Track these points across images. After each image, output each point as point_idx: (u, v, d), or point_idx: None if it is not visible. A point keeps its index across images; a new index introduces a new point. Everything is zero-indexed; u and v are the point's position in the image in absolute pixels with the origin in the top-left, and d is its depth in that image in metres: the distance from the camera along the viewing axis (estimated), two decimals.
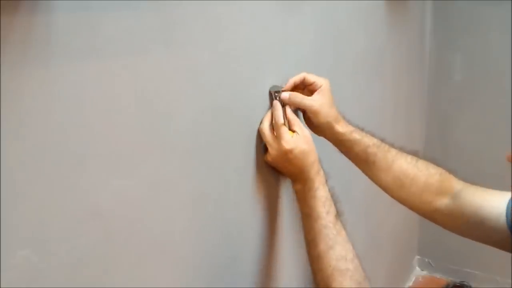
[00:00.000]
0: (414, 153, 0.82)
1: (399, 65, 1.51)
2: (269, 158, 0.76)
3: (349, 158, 0.84)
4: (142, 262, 0.59)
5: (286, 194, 0.88)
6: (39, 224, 0.46)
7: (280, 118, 0.74)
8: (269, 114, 0.78)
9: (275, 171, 0.82)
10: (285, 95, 0.78)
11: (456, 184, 0.78)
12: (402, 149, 0.82)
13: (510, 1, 1.62)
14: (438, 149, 1.93)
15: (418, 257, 2.09)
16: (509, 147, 1.89)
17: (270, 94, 0.79)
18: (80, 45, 0.47)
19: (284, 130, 0.73)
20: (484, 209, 0.70)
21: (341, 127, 0.80)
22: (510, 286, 1.64)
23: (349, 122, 0.82)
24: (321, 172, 0.75)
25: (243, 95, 0.74)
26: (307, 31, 0.91)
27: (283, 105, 0.77)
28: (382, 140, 0.82)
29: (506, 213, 0.66)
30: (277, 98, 0.78)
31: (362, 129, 0.82)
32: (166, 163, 0.61)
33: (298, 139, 0.73)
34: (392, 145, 0.82)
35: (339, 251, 0.69)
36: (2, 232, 0.42)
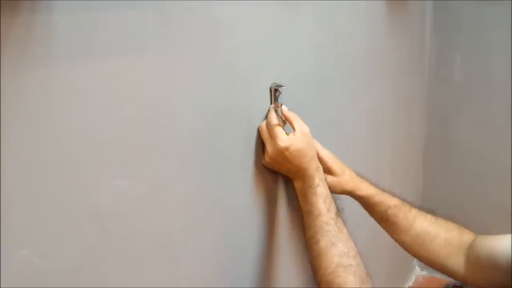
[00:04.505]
0: (432, 212, 0.84)
1: (399, 65, 1.51)
2: (267, 158, 0.76)
3: (370, 215, 0.86)
4: (141, 262, 0.59)
5: (286, 193, 0.88)
6: (39, 224, 0.45)
7: (272, 119, 0.75)
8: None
9: (274, 171, 0.82)
10: None
11: (472, 236, 0.79)
12: (421, 208, 0.85)
13: (510, 1, 1.62)
14: (438, 149, 1.93)
15: None
16: (509, 147, 1.89)
17: (271, 90, 0.79)
18: (80, 45, 0.47)
19: (279, 129, 0.74)
20: (497, 255, 0.70)
21: (361, 192, 0.83)
22: None
23: (369, 181, 0.85)
24: (321, 169, 0.76)
25: (243, 95, 0.74)
26: (308, 31, 0.91)
27: (279, 105, 0.78)
28: (403, 200, 0.84)
29: None
30: (277, 95, 0.79)
31: (383, 190, 0.85)
32: (166, 163, 0.61)
33: (294, 137, 0.74)
34: (412, 204, 0.84)
35: (341, 248, 0.69)
36: (2, 232, 0.42)
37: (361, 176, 0.86)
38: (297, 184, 0.76)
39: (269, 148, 0.75)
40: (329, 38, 1.00)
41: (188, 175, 0.65)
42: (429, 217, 0.82)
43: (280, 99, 0.80)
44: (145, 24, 0.54)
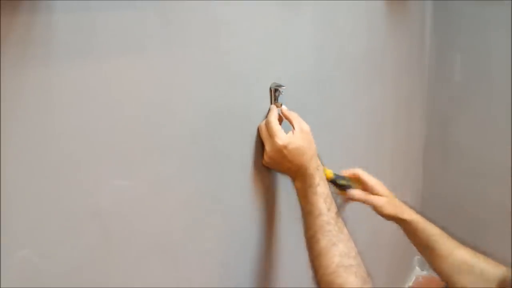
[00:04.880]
0: (472, 246, 0.85)
1: (399, 65, 1.51)
2: (266, 158, 0.76)
3: (410, 239, 0.87)
4: (141, 262, 0.59)
5: (285, 193, 0.88)
6: (39, 224, 0.46)
7: (270, 117, 0.75)
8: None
9: (274, 171, 0.82)
10: (352, 192, 0.84)
11: (507, 271, 0.79)
12: (459, 241, 0.86)
13: (510, 1, 1.62)
14: (438, 149, 1.93)
15: (418, 257, 2.08)
16: (509, 147, 1.89)
17: (271, 90, 0.79)
18: (80, 45, 0.47)
19: (277, 128, 0.74)
20: None
21: (408, 216, 0.84)
22: None
23: (412, 208, 0.86)
24: (321, 168, 0.76)
25: (243, 95, 0.74)
26: (308, 31, 0.91)
27: (280, 105, 0.78)
28: (442, 229, 0.85)
29: None
30: (277, 95, 0.79)
31: (425, 218, 0.86)
32: (166, 163, 0.61)
33: (292, 136, 0.74)
34: (451, 235, 0.85)
35: (342, 248, 0.69)
36: (2, 232, 0.42)
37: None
38: (297, 184, 0.76)
39: (268, 147, 0.75)
40: (329, 38, 1.00)
41: (188, 175, 0.65)
42: (468, 249, 0.83)
43: (280, 99, 0.80)
44: (145, 24, 0.54)
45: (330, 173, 0.82)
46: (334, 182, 0.84)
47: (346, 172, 0.87)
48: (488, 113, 1.78)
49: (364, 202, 0.84)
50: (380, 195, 0.85)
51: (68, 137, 0.47)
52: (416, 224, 0.84)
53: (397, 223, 0.86)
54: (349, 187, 0.85)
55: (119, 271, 0.56)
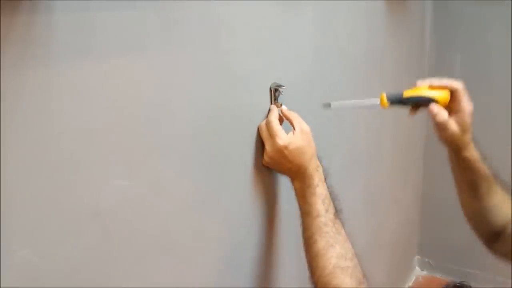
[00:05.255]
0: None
1: (399, 65, 1.51)
2: (266, 158, 0.76)
3: (454, 174, 0.85)
4: (142, 262, 0.59)
5: (285, 193, 0.88)
6: (39, 224, 0.45)
7: (271, 117, 0.75)
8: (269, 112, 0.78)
9: (274, 171, 0.82)
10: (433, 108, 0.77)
11: None
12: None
13: (510, 1, 1.62)
14: (438, 149, 1.92)
15: (418, 257, 2.09)
16: (509, 147, 1.89)
17: (271, 90, 0.79)
18: (80, 45, 0.47)
19: (278, 128, 0.74)
20: None
21: (468, 152, 0.81)
22: (510, 286, 1.64)
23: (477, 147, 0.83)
24: (320, 169, 0.76)
25: (243, 95, 0.74)
26: (308, 31, 0.91)
27: (280, 105, 0.79)
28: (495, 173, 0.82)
29: None
30: (277, 95, 0.79)
31: (485, 159, 0.83)
32: (166, 163, 0.61)
33: (293, 136, 0.74)
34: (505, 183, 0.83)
35: (339, 250, 0.69)
36: (2, 232, 0.42)
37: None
38: (296, 184, 0.76)
39: (268, 147, 0.75)
40: (329, 38, 1.00)
41: (188, 175, 0.65)
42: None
43: (280, 99, 0.80)
44: (145, 24, 0.54)
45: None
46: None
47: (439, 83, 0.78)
48: (488, 113, 1.78)
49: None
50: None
51: (68, 137, 0.47)
52: (475, 164, 0.80)
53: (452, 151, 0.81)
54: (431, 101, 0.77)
55: (119, 271, 0.56)
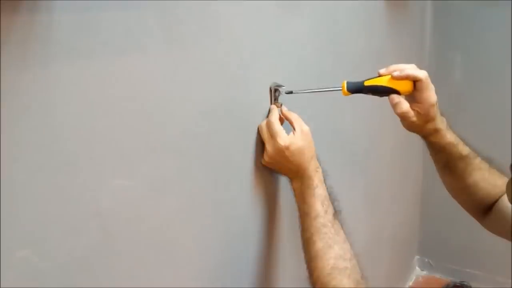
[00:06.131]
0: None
1: None
2: (266, 158, 0.76)
3: (431, 156, 0.85)
4: (142, 262, 0.59)
5: (285, 193, 0.88)
6: (39, 224, 0.45)
7: (272, 118, 0.75)
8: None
9: (274, 171, 0.82)
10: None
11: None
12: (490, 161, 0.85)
13: (510, 1, 1.62)
14: None
15: (418, 257, 2.09)
16: (509, 147, 1.89)
17: (271, 90, 0.79)
18: (80, 45, 0.47)
19: (279, 128, 0.74)
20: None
21: (436, 138, 0.81)
22: (510, 286, 1.64)
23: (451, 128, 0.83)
24: (320, 170, 0.76)
25: (243, 95, 0.74)
26: (308, 31, 0.91)
27: (280, 105, 0.79)
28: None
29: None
30: (277, 94, 0.79)
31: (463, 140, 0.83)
32: (166, 163, 0.61)
33: (294, 136, 0.74)
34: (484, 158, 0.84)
35: (338, 251, 0.69)
36: (2, 232, 0.42)
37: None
38: (296, 185, 0.76)
39: (269, 147, 0.75)
40: (329, 38, 1.00)
41: (188, 175, 0.65)
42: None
43: (280, 99, 0.80)
44: (145, 24, 0.54)
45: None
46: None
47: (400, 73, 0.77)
48: (488, 113, 1.78)
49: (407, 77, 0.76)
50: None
51: (68, 137, 0.47)
52: (455, 147, 0.81)
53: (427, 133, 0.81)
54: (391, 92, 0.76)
55: (119, 271, 0.56)
